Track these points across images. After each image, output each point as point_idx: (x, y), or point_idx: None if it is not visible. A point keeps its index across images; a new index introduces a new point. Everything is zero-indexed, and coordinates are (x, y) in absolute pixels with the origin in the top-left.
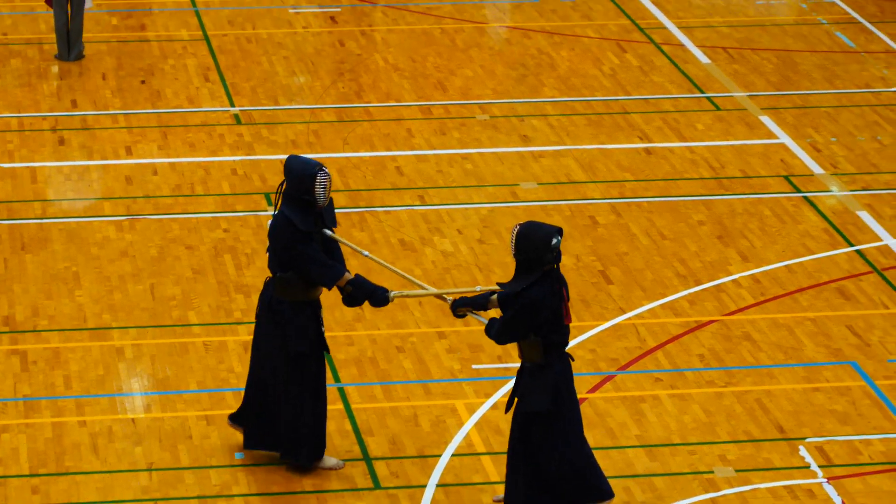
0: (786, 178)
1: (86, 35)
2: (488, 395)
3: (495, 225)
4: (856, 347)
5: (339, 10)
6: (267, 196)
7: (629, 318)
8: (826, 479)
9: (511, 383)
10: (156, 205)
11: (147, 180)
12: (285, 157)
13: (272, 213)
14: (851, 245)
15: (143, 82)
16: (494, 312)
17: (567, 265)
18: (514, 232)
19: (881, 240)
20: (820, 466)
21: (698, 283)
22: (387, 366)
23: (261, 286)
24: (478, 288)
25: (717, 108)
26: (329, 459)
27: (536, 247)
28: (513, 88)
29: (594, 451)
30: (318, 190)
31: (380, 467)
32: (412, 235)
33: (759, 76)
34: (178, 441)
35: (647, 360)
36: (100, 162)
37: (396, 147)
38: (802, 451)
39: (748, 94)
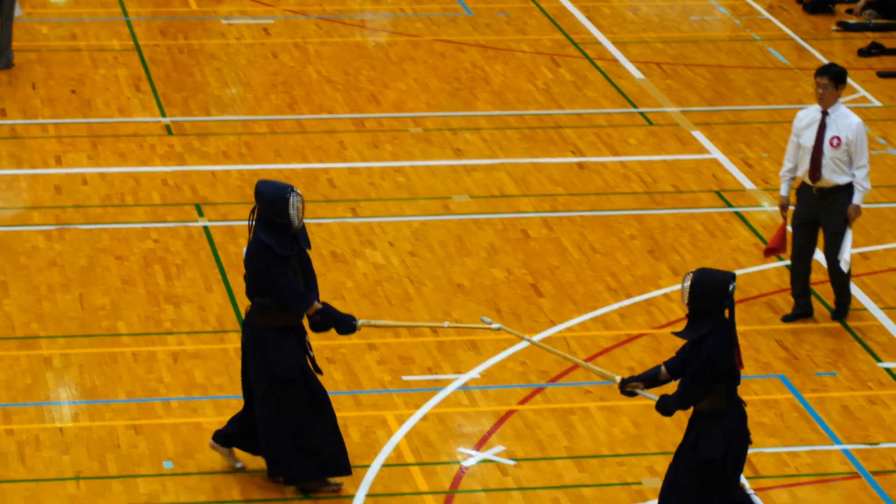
0: (717, 193)
1: (15, 44)
2: (418, 406)
3: (427, 238)
4: (784, 361)
5: (272, 21)
6: (198, 207)
7: (560, 331)
8: (753, 491)
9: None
10: (85, 214)
11: (77, 190)
12: (216, 168)
13: (248, 239)
14: (781, 260)
15: (73, 92)
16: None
17: (498, 278)
18: (689, 280)
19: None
20: (747, 478)
21: (629, 296)
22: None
23: (191, 297)
24: (445, 324)
25: (650, 123)
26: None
27: (714, 294)
28: (446, 102)
29: (524, 463)
30: (292, 212)
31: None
32: (343, 248)
33: (693, 92)
34: (105, 450)
35: (578, 372)
36: (29, 171)
37: (329, 159)
38: None
39: (681, 109)
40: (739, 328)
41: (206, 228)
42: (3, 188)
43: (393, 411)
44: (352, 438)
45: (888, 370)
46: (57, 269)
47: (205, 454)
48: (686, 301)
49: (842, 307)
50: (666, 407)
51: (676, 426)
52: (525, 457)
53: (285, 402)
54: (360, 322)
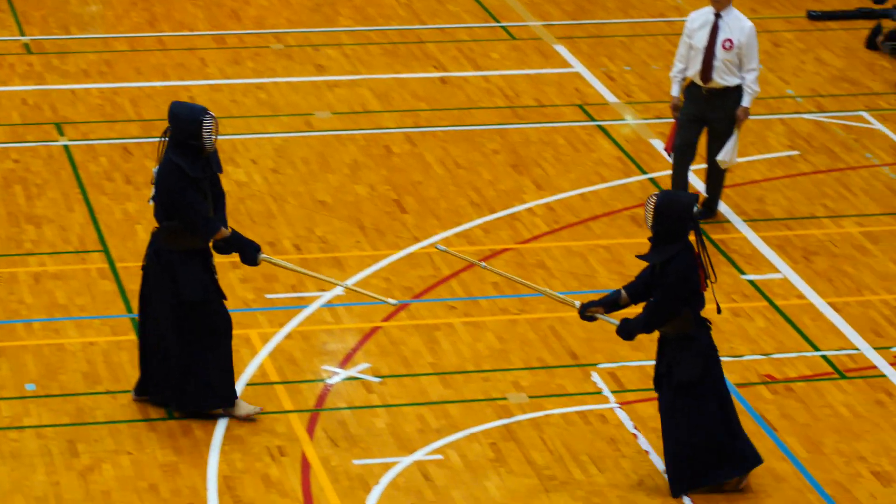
0: (580, 107)
1: None
2: (282, 325)
3: (289, 155)
4: None
5: None
6: (58, 126)
7: (424, 247)
8: (618, 404)
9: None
10: None
11: None
12: (77, 87)
13: (158, 160)
14: (645, 173)
15: None
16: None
17: (361, 194)
18: (651, 203)
19: None
20: (612, 392)
21: (493, 211)
22: None
23: (52, 217)
24: (348, 283)
25: (513, 38)
26: (244, 406)
27: (678, 217)
28: (308, 18)
29: (388, 380)
30: (206, 134)
31: None
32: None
33: (555, 6)
34: None
35: (442, 288)
36: None
37: (190, 77)
38: (595, 377)
39: (543, 23)
40: (603, 242)
41: (66, 148)
42: None
43: (257, 330)
44: None
45: (751, 282)
46: None
47: (67, 375)
48: (650, 224)
49: (709, 208)
50: (628, 331)
51: (541, 341)
52: (390, 374)
53: (185, 326)
54: (261, 256)
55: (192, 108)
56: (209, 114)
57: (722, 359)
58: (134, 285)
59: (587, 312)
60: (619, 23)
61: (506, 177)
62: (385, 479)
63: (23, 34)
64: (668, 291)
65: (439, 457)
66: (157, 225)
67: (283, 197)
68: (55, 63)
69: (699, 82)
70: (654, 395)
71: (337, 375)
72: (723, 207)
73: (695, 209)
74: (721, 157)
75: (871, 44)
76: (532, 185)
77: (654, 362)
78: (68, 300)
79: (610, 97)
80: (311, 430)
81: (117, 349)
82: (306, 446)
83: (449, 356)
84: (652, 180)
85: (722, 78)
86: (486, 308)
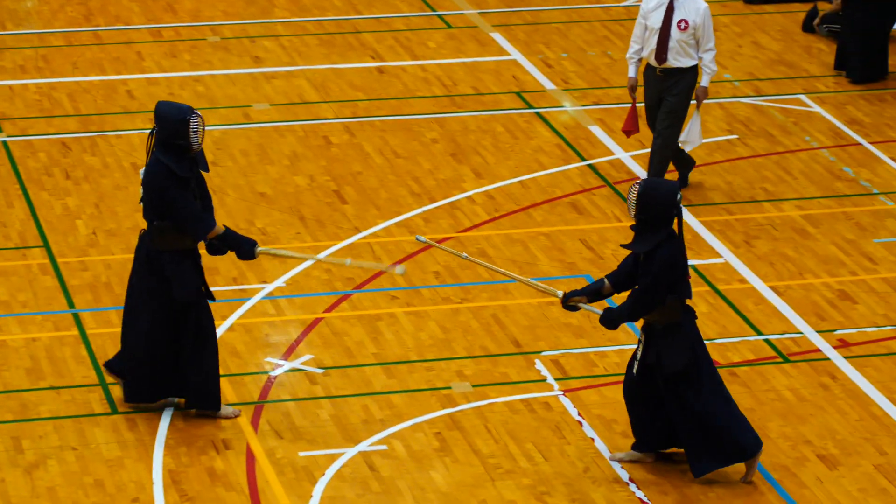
0: (518, 94)
1: None
2: (224, 318)
3: (228, 147)
4: (589, 261)
5: None
6: None
7: (365, 237)
8: (562, 392)
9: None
10: None
11: None
12: (14, 83)
13: (146, 160)
14: (584, 160)
15: None
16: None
17: (301, 186)
18: (635, 191)
19: (613, 154)
20: (556, 379)
21: (433, 200)
22: (121, 290)
23: None
24: (347, 262)
25: (449, 26)
26: (224, 408)
27: (662, 205)
28: (243, 10)
29: (332, 370)
30: (192, 134)
31: (116, 392)
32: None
33: None
34: None
35: (384, 278)
36: None
37: (127, 70)
38: (538, 365)
39: (479, 11)
40: (544, 229)
41: (5, 143)
42: None
43: None
44: None
45: (693, 267)
46: None
47: (10, 372)
48: (633, 213)
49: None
50: (611, 319)
51: (484, 329)
52: (333, 365)
53: (173, 326)
54: (259, 249)
55: (178, 108)
56: (196, 112)
57: None
58: (75, 280)
59: (570, 302)
60: (554, 9)
61: (445, 165)
62: (331, 471)
63: None
64: (654, 279)
65: (384, 447)
66: (145, 226)
67: (223, 189)
68: None
69: (654, 63)
70: (599, 381)
71: (280, 367)
72: None
73: (678, 196)
74: (684, 137)
75: (808, 27)
76: (471, 173)
77: (597, 349)
78: (10, 296)
79: (548, 84)
80: (255, 423)
81: (60, 345)
82: (251, 439)
83: (392, 346)
84: (591, 167)
85: (676, 59)
86: (428, 297)
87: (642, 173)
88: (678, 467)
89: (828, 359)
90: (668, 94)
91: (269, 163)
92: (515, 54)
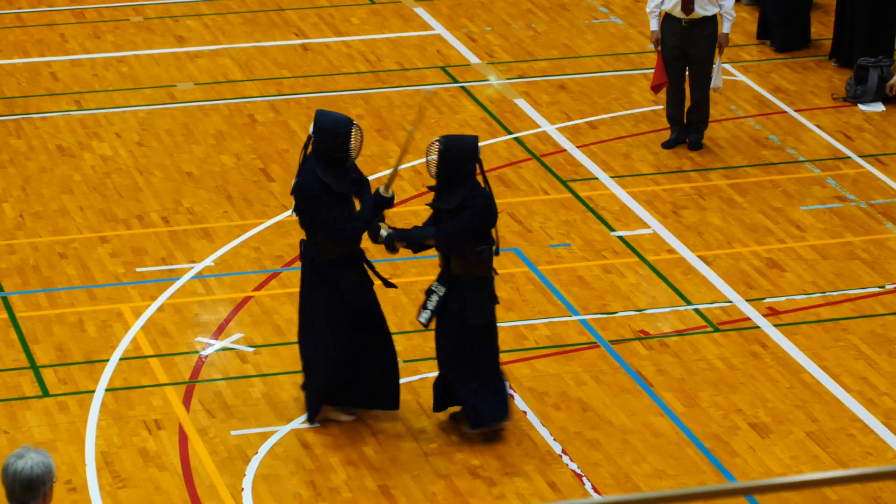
0: (442, 68)
1: None
2: (154, 298)
3: (153, 127)
4: (518, 234)
5: None
6: None
7: (291, 216)
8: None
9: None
10: None
11: None
12: None
13: (298, 169)
14: (510, 133)
15: None
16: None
17: (227, 165)
18: (435, 149)
19: (539, 126)
20: None
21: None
22: (50, 273)
23: None
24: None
25: (372, 2)
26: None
27: (465, 158)
28: None
29: (263, 349)
30: (352, 146)
31: (48, 375)
32: (70, 141)
33: None
34: None
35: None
36: None
37: (50, 52)
38: None
39: None
40: None
41: None
42: None
43: (129, 304)
44: (88, 333)
45: (621, 238)
46: None
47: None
48: (435, 172)
49: (699, 136)
50: (399, 237)
51: (413, 304)
52: (264, 343)
53: (349, 332)
54: (381, 189)
55: (338, 120)
56: (355, 124)
57: (596, 316)
58: (3, 263)
59: (395, 245)
60: None
61: (371, 142)
62: (263, 449)
63: None
64: (471, 216)
65: (317, 424)
66: (305, 236)
67: (149, 170)
68: None
69: (680, 14)
70: (530, 354)
71: (211, 347)
72: (589, 164)
73: (477, 149)
74: (712, 84)
75: None
76: (398, 148)
77: (528, 322)
78: None
79: (472, 58)
80: (187, 403)
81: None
82: (183, 419)
83: None
84: (518, 140)
85: (703, 8)
86: None
87: (568, 145)
88: (612, 442)
89: (757, 327)
90: (693, 44)
91: (195, 142)
92: (439, 29)
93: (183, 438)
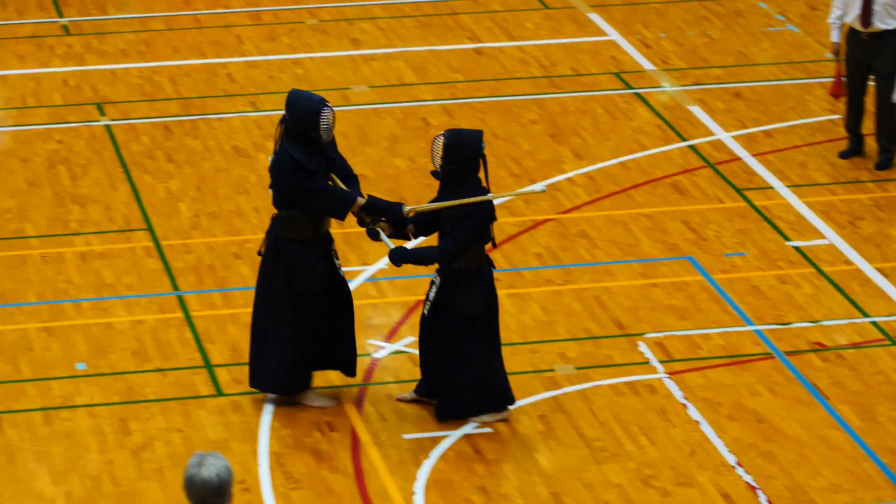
0: (616, 74)
1: None
2: None
3: None
4: (692, 242)
5: None
6: (99, 106)
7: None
8: (667, 375)
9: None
10: None
11: None
12: (116, 67)
13: (274, 149)
14: (684, 140)
15: None
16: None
17: (401, 167)
18: (440, 143)
19: (713, 134)
20: (660, 362)
21: (532, 181)
22: (225, 273)
23: (97, 197)
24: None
25: (546, 7)
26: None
27: (468, 153)
28: None
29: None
30: (323, 126)
31: (221, 374)
32: (245, 142)
33: None
34: (18, 353)
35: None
36: None
37: (227, 54)
38: (642, 347)
39: None
40: (646, 210)
41: (108, 127)
42: None
43: None
44: None
45: (797, 248)
46: None
47: (117, 354)
48: (439, 164)
49: (888, 156)
50: (402, 257)
51: (586, 311)
52: None
53: (300, 315)
54: (406, 208)
55: (310, 99)
56: (327, 104)
57: (771, 327)
58: (179, 262)
59: (375, 227)
60: None
61: (545, 147)
62: (435, 453)
63: (61, 16)
64: (472, 226)
65: (488, 430)
66: (275, 212)
67: None
68: (94, 44)
69: (859, 27)
70: (704, 364)
71: (383, 350)
72: (765, 174)
73: (482, 144)
74: (894, 97)
75: None
76: (571, 154)
77: (702, 331)
78: (115, 279)
79: (646, 64)
80: (359, 406)
81: (165, 327)
82: (355, 421)
83: None
84: (692, 147)
85: (882, 22)
86: (531, 279)
87: (743, 153)
88: (787, 454)
89: None
90: (874, 58)
91: (369, 144)
92: (613, 35)
93: (355, 441)
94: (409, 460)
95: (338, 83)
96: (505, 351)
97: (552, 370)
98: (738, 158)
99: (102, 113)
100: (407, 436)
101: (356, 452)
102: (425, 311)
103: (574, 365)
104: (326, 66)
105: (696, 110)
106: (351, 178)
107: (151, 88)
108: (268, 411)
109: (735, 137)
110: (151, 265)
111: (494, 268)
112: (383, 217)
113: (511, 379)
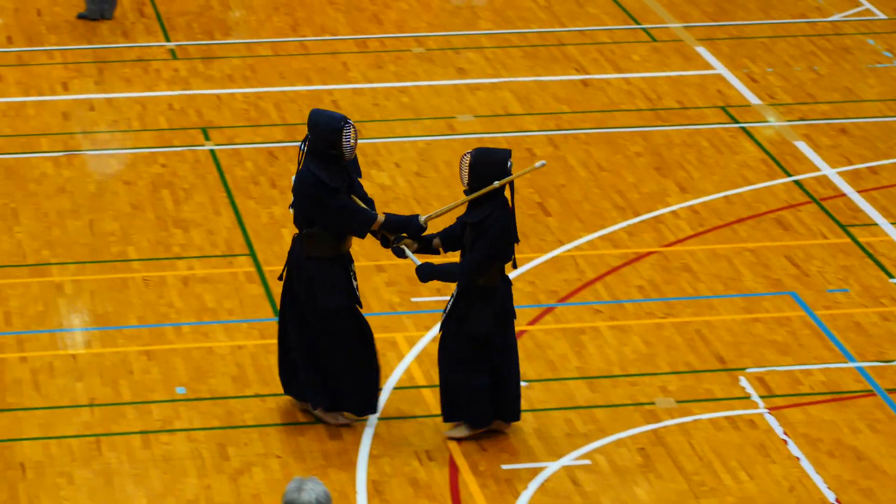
0: (722, 108)
1: None
2: (428, 328)
3: (432, 158)
4: (795, 278)
5: None
6: (204, 130)
7: (568, 250)
8: (767, 410)
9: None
10: (93, 140)
11: (84, 116)
12: (221, 92)
13: (297, 168)
14: (789, 175)
15: (78, 17)
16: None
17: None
18: (466, 161)
19: (819, 170)
20: (761, 397)
21: (636, 214)
22: None
23: (200, 221)
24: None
25: (653, 40)
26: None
27: (494, 174)
28: (448, 21)
29: (535, 384)
30: (346, 143)
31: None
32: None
33: (695, 7)
34: (118, 376)
35: (587, 291)
36: (36, 98)
37: (333, 81)
38: (743, 382)
39: (684, 24)
40: (749, 245)
41: (212, 152)
42: (11, 116)
43: (403, 333)
44: None
45: None
46: (66, 195)
47: (217, 379)
48: (466, 182)
49: None
50: (428, 274)
51: (687, 344)
52: (537, 378)
53: (330, 332)
54: (422, 218)
55: (331, 117)
56: (349, 122)
57: (873, 364)
58: (280, 288)
59: (399, 245)
60: (760, 24)
61: (649, 179)
62: (534, 484)
63: (168, 40)
64: (490, 244)
65: (587, 461)
66: (297, 231)
67: (427, 200)
68: (200, 68)
69: None
70: (805, 399)
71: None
72: (869, 210)
73: (508, 164)
74: None
75: None
76: (676, 187)
77: (803, 367)
78: (217, 304)
79: (753, 99)
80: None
81: (265, 352)
82: (454, 451)
83: (595, 360)
84: (797, 182)
85: None
86: (632, 312)
87: (848, 189)
88: (887, 492)
89: None
90: None
91: None
92: (720, 68)
93: (453, 470)
94: (507, 491)
95: (443, 112)
96: (605, 383)
97: (653, 403)
98: (843, 195)
99: (207, 137)
100: (506, 466)
101: (454, 482)
102: (440, 326)
103: (675, 398)
104: (432, 95)
105: (802, 146)
106: (367, 201)
107: (256, 114)
108: (366, 438)
109: (840, 173)
110: (253, 290)
111: (511, 285)
112: (404, 233)
113: (611, 411)
